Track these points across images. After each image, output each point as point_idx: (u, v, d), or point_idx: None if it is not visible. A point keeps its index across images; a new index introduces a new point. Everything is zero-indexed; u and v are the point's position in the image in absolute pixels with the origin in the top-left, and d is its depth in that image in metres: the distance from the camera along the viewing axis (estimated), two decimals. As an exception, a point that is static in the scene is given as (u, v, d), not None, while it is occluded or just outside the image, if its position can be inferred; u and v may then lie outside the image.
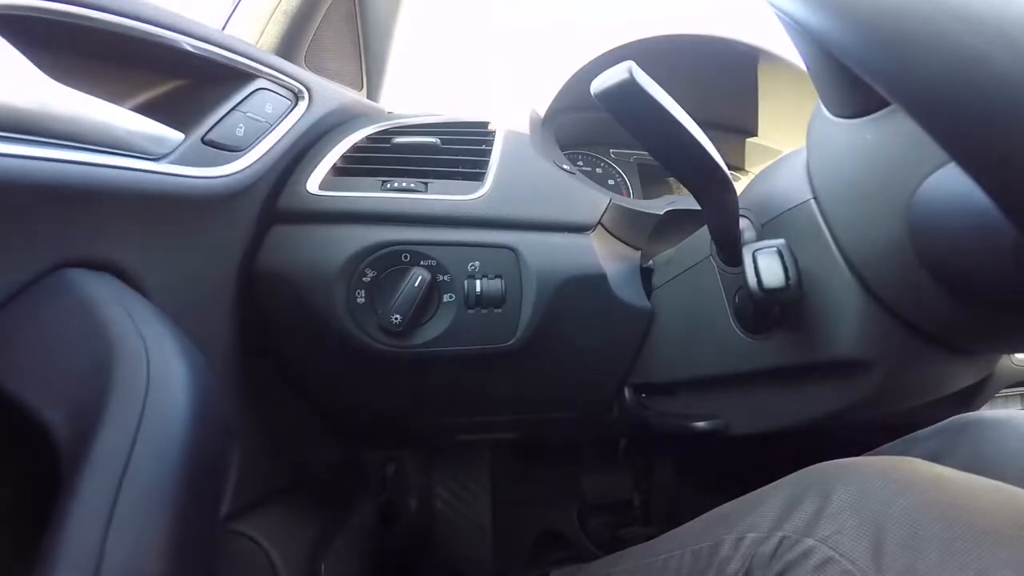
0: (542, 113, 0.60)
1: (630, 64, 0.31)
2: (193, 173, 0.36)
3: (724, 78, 0.65)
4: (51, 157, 0.27)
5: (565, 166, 0.55)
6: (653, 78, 0.32)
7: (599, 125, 0.67)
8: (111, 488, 0.23)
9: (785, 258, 0.35)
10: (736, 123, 0.69)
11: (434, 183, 0.49)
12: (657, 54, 0.60)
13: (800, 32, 0.26)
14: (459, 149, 0.52)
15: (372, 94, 0.79)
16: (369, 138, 0.52)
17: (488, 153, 0.52)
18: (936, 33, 0.17)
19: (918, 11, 0.18)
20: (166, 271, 0.35)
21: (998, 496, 0.28)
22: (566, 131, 0.67)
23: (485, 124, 0.57)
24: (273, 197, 0.45)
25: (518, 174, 0.50)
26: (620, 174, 0.71)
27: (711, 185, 0.36)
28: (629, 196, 0.69)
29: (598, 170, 0.71)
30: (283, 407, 0.53)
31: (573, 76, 0.60)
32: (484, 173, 0.50)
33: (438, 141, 0.51)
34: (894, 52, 0.19)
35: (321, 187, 0.46)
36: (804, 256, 0.36)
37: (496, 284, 0.46)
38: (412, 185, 0.47)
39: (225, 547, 0.43)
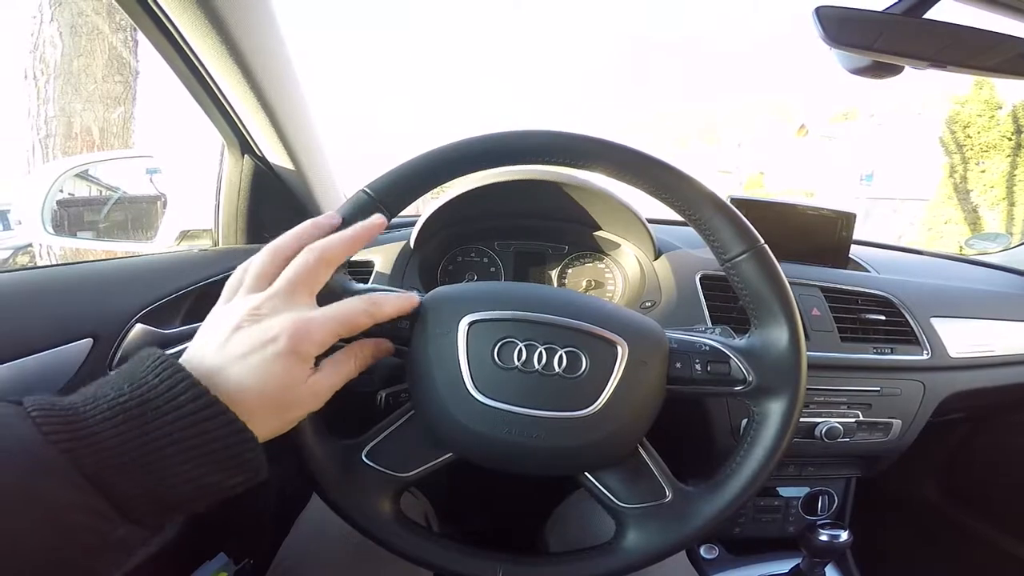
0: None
1: None
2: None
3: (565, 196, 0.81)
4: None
5: None
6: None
7: (481, 226, 0.87)
8: None
9: None
10: (585, 220, 0.86)
11: None
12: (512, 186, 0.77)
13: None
14: None
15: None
16: None
17: None
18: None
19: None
20: None
21: None
22: (457, 232, 0.86)
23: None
24: None
25: None
26: (498, 263, 0.88)
27: None
28: (500, 279, 0.88)
29: (484, 259, 0.89)
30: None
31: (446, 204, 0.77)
32: None
33: None
34: None
35: None
36: None
37: None
38: None
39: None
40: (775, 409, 0.44)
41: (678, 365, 0.44)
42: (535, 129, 0.45)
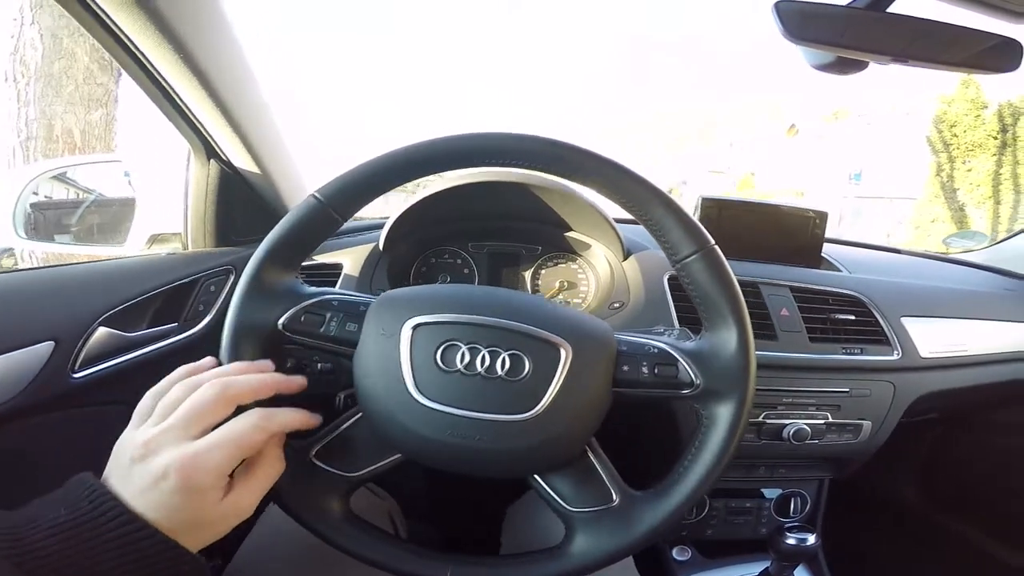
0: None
1: None
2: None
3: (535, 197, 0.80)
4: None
5: None
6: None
7: (454, 227, 0.87)
8: None
9: None
10: (557, 221, 0.85)
11: None
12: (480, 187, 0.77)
13: None
14: None
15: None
16: None
17: None
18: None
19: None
20: None
21: None
22: (429, 234, 0.85)
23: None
24: None
25: None
26: (472, 264, 0.88)
27: None
28: (474, 283, 0.86)
29: (458, 261, 0.88)
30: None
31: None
32: None
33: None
34: None
35: None
36: None
37: None
38: None
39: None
40: (723, 413, 0.43)
41: (625, 368, 0.44)
42: (484, 132, 0.45)
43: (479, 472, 0.44)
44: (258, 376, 0.40)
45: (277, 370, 0.43)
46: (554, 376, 0.41)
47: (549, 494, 0.45)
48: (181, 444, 0.35)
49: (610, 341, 0.44)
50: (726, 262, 0.44)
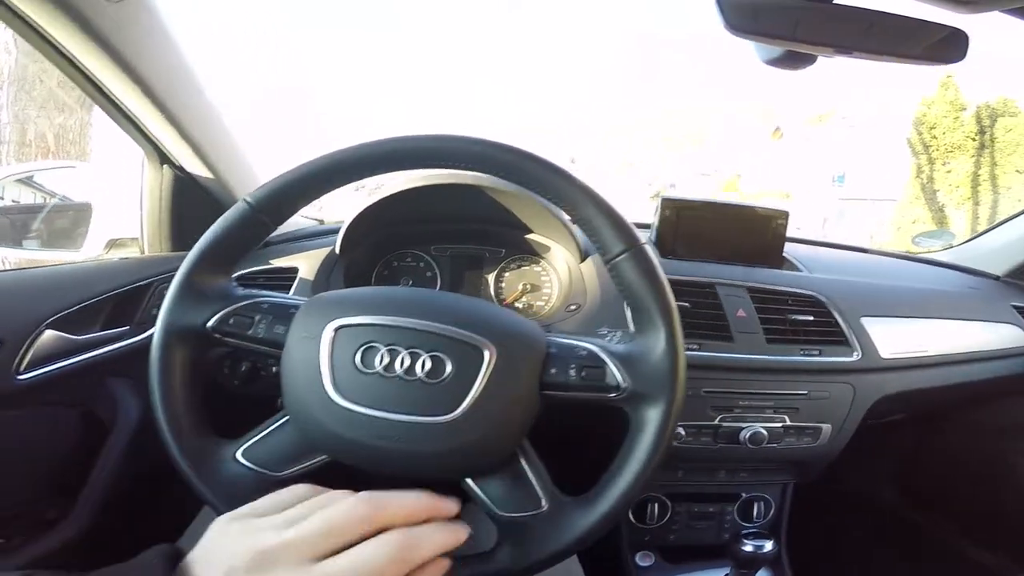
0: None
1: None
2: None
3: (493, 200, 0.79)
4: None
5: None
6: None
7: (416, 230, 0.85)
8: None
9: None
10: (518, 224, 0.84)
11: None
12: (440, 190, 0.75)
13: None
14: None
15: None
16: None
17: None
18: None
19: None
20: None
21: None
22: (390, 236, 0.84)
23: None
24: None
25: None
26: (435, 268, 0.86)
27: None
28: (436, 287, 0.86)
29: (420, 264, 0.87)
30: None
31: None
32: None
33: None
34: None
35: None
36: None
37: None
38: None
39: None
40: (650, 418, 0.42)
41: (553, 370, 0.43)
42: (417, 134, 0.46)
43: (405, 474, 0.43)
44: (412, 497, 0.33)
45: (216, 372, 0.46)
46: (476, 378, 0.41)
47: (481, 498, 0.45)
48: (303, 567, 0.28)
49: (538, 343, 0.43)
50: (656, 262, 0.43)
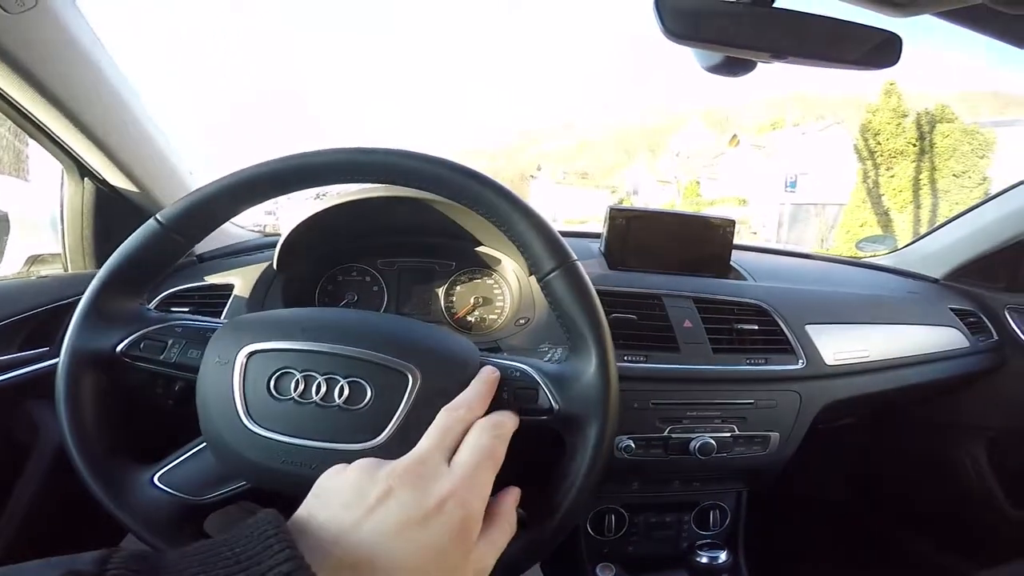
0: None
1: None
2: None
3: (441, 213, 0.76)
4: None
5: None
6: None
7: (360, 244, 0.83)
8: None
9: None
10: (467, 236, 0.82)
11: None
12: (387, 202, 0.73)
13: None
14: None
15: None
16: None
17: None
18: None
19: None
20: None
21: None
22: (334, 250, 0.82)
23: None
24: None
25: None
26: (381, 283, 0.84)
27: None
28: (383, 303, 0.83)
29: (366, 279, 0.84)
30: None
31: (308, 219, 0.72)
32: None
33: None
34: None
35: None
36: None
37: None
38: None
39: None
40: (582, 440, 0.41)
41: None
42: (341, 148, 0.44)
43: None
44: (477, 392, 0.38)
45: (149, 392, 0.48)
46: (400, 404, 0.39)
47: None
48: (443, 466, 0.32)
49: (470, 364, 0.42)
50: (587, 279, 0.42)
